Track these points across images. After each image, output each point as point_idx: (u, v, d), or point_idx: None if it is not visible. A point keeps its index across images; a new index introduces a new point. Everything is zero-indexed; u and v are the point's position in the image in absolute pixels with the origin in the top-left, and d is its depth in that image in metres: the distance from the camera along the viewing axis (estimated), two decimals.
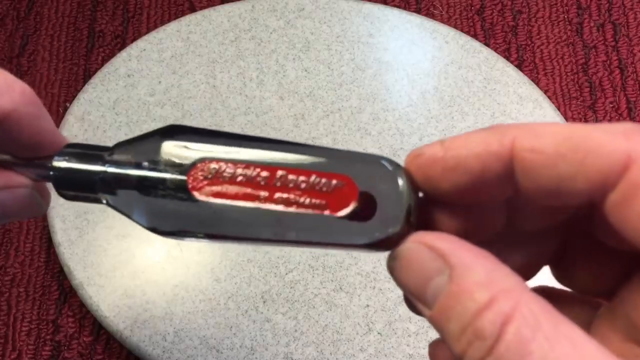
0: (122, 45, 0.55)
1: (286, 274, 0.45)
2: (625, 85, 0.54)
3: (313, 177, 0.19)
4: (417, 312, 0.18)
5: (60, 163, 0.21)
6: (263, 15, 0.54)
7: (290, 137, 0.49)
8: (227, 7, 0.54)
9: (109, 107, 0.50)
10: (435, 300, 0.16)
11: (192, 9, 0.57)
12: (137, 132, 0.49)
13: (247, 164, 0.19)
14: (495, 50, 0.55)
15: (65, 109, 0.52)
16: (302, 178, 0.19)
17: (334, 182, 0.18)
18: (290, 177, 0.19)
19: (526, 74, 0.53)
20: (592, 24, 0.57)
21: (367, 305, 0.44)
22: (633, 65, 0.55)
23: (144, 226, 0.21)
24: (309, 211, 0.19)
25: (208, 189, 0.19)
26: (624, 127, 0.16)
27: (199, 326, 0.43)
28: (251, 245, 0.21)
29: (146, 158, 0.20)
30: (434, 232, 0.18)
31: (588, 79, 0.55)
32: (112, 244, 0.46)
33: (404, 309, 0.44)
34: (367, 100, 0.51)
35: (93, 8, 0.57)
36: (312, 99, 0.51)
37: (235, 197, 0.19)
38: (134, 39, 0.54)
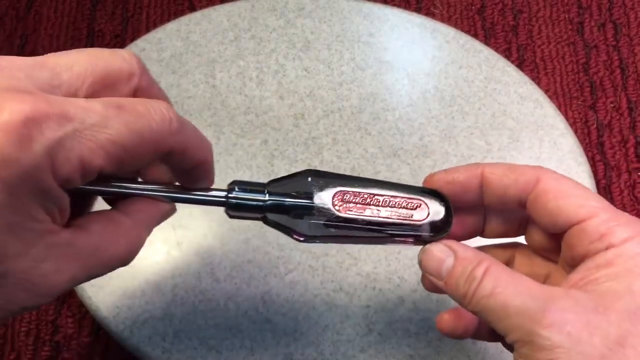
0: (122, 45, 0.55)
1: (286, 274, 0.45)
2: (626, 85, 0.54)
3: (405, 200, 0.32)
4: (433, 288, 0.33)
5: (235, 194, 0.30)
6: (263, 14, 0.54)
7: (290, 137, 0.49)
8: (226, 6, 0.54)
9: None
10: (447, 272, 0.30)
11: (192, 8, 0.57)
12: None
13: (365, 193, 0.31)
14: (496, 49, 0.55)
15: None
16: (398, 200, 0.32)
17: (416, 202, 0.32)
18: (393, 199, 0.32)
19: (527, 74, 0.53)
20: (592, 24, 0.56)
21: (368, 306, 0.44)
22: (634, 64, 0.55)
23: (299, 233, 0.31)
24: (403, 220, 0.32)
25: (345, 207, 0.31)
26: (537, 166, 0.32)
27: (199, 327, 0.43)
28: (362, 244, 0.39)
29: (299, 190, 0.31)
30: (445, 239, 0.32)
31: (589, 78, 0.54)
32: None
33: (404, 309, 0.44)
34: (367, 100, 0.51)
35: (92, 7, 0.57)
36: (312, 99, 0.51)
37: (361, 210, 0.31)
38: (134, 39, 0.54)
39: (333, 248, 0.45)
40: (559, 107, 0.53)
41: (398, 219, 0.31)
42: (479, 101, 0.51)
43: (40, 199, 0.23)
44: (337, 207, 0.31)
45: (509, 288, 0.28)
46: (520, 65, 0.55)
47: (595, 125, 0.53)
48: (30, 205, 0.22)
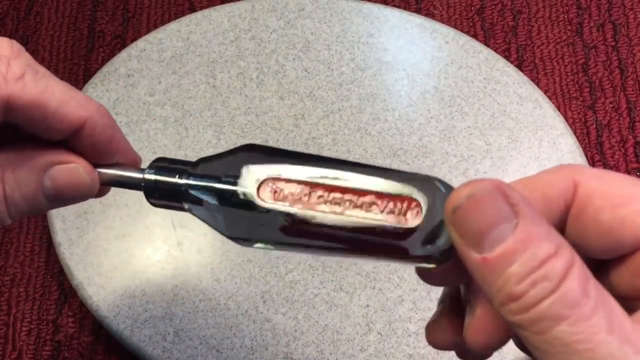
0: (122, 45, 0.55)
1: (286, 274, 0.45)
2: (625, 85, 0.54)
3: (386, 201, 0.21)
4: (428, 277, 0.23)
5: (150, 176, 0.24)
6: (263, 15, 0.54)
7: (290, 137, 0.49)
8: (227, 7, 0.54)
9: (109, 107, 0.50)
10: (496, 244, 0.18)
11: (192, 9, 0.57)
12: (137, 132, 0.49)
13: (314, 184, 0.21)
14: (495, 50, 0.55)
15: None
16: (370, 199, 0.21)
17: (404, 204, 0.21)
18: (360, 199, 0.21)
19: (526, 74, 0.53)
20: (592, 24, 0.57)
21: (367, 305, 0.44)
22: (633, 65, 0.55)
23: (222, 233, 0.23)
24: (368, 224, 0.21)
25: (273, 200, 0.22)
26: (567, 165, 0.21)
27: (199, 326, 0.43)
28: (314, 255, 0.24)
29: (226, 173, 0.23)
30: (506, 183, 0.19)
31: (588, 79, 0.55)
32: (112, 244, 0.46)
33: (403, 309, 0.44)
34: (367, 100, 0.51)
35: (93, 8, 0.57)
36: (312, 99, 0.51)
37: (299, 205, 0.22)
38: (134, 39, 0.54)
39: None
40: (558, 107, 0.53)
41: (359, 223, 0.21)
42: (479, 101, 0.51)
43: None
44: (262, 199, 0.22)
45: (599, 314, 0.18)
46: (520, 65, 0.55)
47: (594, 126, 0.53)
48: None
